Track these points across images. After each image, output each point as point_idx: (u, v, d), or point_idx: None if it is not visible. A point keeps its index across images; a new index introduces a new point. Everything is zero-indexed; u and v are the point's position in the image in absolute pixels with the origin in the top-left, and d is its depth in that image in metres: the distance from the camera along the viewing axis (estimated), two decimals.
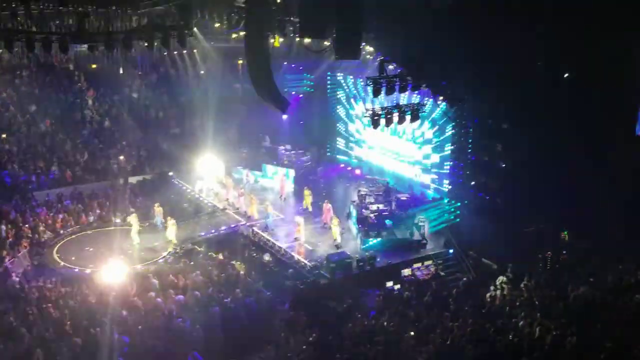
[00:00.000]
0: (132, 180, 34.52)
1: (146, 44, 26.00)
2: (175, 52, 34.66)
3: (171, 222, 28.64)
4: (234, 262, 26.49)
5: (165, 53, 34.66)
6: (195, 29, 28.37)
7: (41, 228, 29.02)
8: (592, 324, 17.74)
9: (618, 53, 22.48)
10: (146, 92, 39.44)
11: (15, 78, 36.56)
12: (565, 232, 26.21)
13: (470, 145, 29.67)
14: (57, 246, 28.58)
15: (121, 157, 35.18)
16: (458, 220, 29.89)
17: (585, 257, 24.25)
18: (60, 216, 30.42)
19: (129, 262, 25.98)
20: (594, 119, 23.52)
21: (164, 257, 27.54)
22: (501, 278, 24.22)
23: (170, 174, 35.42)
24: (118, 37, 25.48)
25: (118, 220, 30.89)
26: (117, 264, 24.69)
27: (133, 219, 28.56)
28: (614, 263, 22.40)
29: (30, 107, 36.01)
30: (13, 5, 26.17)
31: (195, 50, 35.02)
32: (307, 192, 31.61)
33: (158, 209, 30.05)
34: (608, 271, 21.92)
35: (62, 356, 18.47)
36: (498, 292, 23.45)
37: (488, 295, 23.16)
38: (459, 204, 30.20)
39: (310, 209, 31.30)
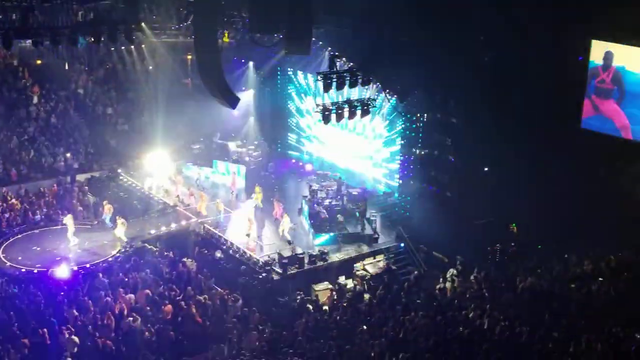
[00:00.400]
0: (80, 178, 33.94)
1: (92, 39, 25.57)
2: (123, 47, 34.18)
3: (120, 221, 28.27)
4: (185, 259, 26.31)
5: (113, 48, 34.13)
6: (142, 23, 28.06)
7: None
8: (540, 315, 18.07)
9: (563, 47, 22.93)
10: (93, 88, 38.78)
11: None
12: (514, 225, 26.61)
13: (420, 140, 29.92)
14: (3, 246, 27.82)
15: (68, 155, 34.57)
16: (409, 214, 30.14)
17: (533, 249, 24.74)
18: (6, 215, 29.78)
19: (78, 261, 25.61)
20: (540, 113, 23.92)
21: (113, 255, 27.18)
22: (451, 271, 24.54)
23: (119, 171, 34.93)
24: (64, 32, 25.11)
25: (66, 219, 30.29)
26: (65, 263, 24.34)
27: (68, 220, 27.90)
28: (560, 254, 22.83)
29: None
30: None
31: (143, 45, 34.58)
32: (257, 188, 31.53)
33: (107, 207, 29.58)
34: (555, 262, 22.35)
35: (9, 358, 18.09)
36: (448, 284, 23.77)
37: (438, 287, 23.47)
38: (409, 198, 30.45)
39: (261, 205, 31.25)
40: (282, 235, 28.48)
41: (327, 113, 24.15)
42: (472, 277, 23.42)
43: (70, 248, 27.05)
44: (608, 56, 22.99)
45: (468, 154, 27.47)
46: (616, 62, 22.86)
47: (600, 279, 19.72)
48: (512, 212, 26.53)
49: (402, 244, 28.54)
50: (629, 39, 22.21)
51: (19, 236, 28.56)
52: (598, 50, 23.16)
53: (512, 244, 25.90)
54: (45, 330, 19.32)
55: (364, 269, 26.84)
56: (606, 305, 18.13)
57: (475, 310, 19.42)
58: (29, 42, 25.76)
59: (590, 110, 24.00)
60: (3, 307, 21.19)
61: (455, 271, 24.50)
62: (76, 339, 19.30)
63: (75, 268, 24.69)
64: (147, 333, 20.49)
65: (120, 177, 34.61)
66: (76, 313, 20.77)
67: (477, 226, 27.08)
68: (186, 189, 32.44)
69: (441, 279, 24.46)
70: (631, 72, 22.55)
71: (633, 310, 17.16)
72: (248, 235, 28.62)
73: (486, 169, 27.23)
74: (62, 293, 22.38)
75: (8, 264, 26.36)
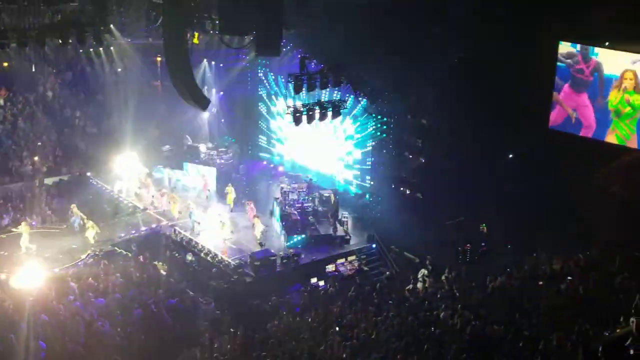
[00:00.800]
0: (48, 181, 33.56)
1: (60, 41, 25.37)
2: (91, 50, 33.85)
3: (90, 224, 28.02)
4: (155, 262, 26.12)
5: (81, 50, 33.76)
6: (111, 25, 27.83)
7: None
8: (510, 314, 18.19)
9: (532, 49, 23.14)
10: (61, 91, 38.33)
11: None
12: (484, 225, 26.79)
13: (391, 141, 30.01)
14: None
15: (36, 158, 34.15)
16: (380, 215, 30.23)
17: (503, 248, 24.92)
18: None
19: (47, 265, 25.31)
20: (508, 114, 24.13)
21: (83, 259, 26.89)
22: (422, 271, 24.62)
23: (88, 174, 34.62)
24: (31, 35, 24.87)
25: (34, 222, 30.02)
26: (34, 268, 24.05)
27: (24, 226, 27.52)
28: (530, 253, 23.02)
29: None
30: None
31: (112, 48, 34.29)
32: (229, 189, 31.45)
33: (75, 211, 29.30)
34: (524, 261, 22.52)
35: None
36: (420, 285, 23.84)
37: (410, 288, 23.54)
38: (380, 199, 30.54)
39: (232, 206, 31.15)
40: (256, 238, 28.43)
41: (298, 115, 24.17)
42: (443, 277, 23.51)
43: (24, 255, 26.64)
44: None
45: (439, 155, 27.60)
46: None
47: (569, 278, 19.90)
48: (482, 212, 26.72)
49: (374, 245, 28.64)
50: (596, 41, 22.47)
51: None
52: (564, 52, 23.45)
53: (483, 243, 26.08)
54: (12, 336, 19.03)
55: (336, 270, 26.88)
56: (575, 304, 18.30)
57: (446, 310, 19.47)
58: None
59: (559, 110, 24.24)
60: None
61: (426, 271, 24.59)
62: (43, 344, 19.03)
63: (45, 273, 24.39)
64: (117, 338, 20.30)
65: (90, 181, 34.27)
66: (46, 318, 20.51)
67: (447, 226, 27.26)
68: (157, 192, 32.20)
69: (412, 280, 24.54)
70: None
71: (602, 309, 17.35)
72: (221, 237, 28.52)
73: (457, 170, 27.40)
74: (31, 298, 22.09)
75: None
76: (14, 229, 28.21)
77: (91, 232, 27.82)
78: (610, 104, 22.88)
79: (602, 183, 23.47)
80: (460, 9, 22.87)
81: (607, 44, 22.56)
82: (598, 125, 23.37)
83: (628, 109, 22.39)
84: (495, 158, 25.79)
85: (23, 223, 27.81)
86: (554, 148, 23.95)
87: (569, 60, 23.69)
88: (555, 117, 24.36)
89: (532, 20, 22.38)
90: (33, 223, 29.83)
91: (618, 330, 14.33)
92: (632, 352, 10.62)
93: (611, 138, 23.35)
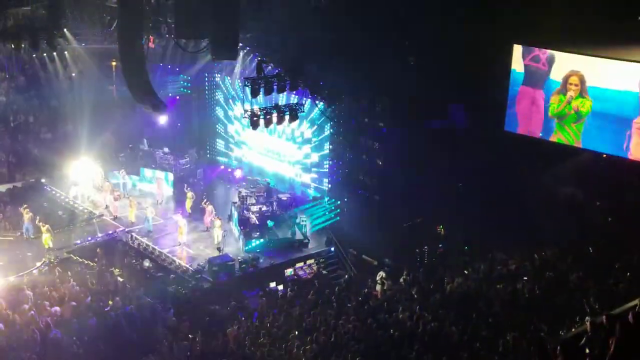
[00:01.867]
0: (1, 188, 32.91)
1: (13, 46, 25.04)
2: (45, 54, 33.28)
3: (45, 229, 27.53)
4: (112, 269, 25.78)
5: (34, 55, 33.20)
6: (65, 29, 27.46)
7: None
8: (468, 315, 18.34)
9: (485, 51, 23.35)
10: (14, 96, 37.65)
11: None
12: (441, 226, 26.97)
13: (348, 144, 30.07)
14: None
15: None
16: (338, 218, 30.26)
17: (460, 250, 25.12)
18: None
19: (1, 273, 24.79)
20: (466, 118, 24.33)
21: (37, 267, 26.38)
22: (381, 274, 24.73)
23: (43, 180, 34.04)
24: None
25: None
26: None
27: None
28: (486, 254, 23.24)
29: None
30: None
31: (65, 52, 33.77)
32: (189, 194, 31.21)
33: (27, 215, 28.68)
34: (481, 262, 22.73)
35: None
36: (378, 287, 23.93)
37: (368, 291, 23.60)
38: (339, 202, 30.57)
39: (190, 211, 30.92)
40: (214, 243, 28.27)
41: (255, 119, 24.05)
42: (401, 279, 23.64)
43: None
44: None
45: (395, 158, 27.71)
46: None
47: (524, 278, 20.13)
48: (439, 214, 26.90)
49: (332, 248, 28.67)
50: (549, 44, 22.73)
51: None
52: (518, 54, 23.63)
53: (440, 245, 26.26)
54: None
55: (295, 274, 26.85)
56: (531, 304, 18.52)
57: (405, 312, 19.58)
58: None
59: (514, 112, 24.46)
60: None
61: (384, 274, 24.69)
62: None
63: None
64: (74, 346, 19.95)
65: (44, 187, 33.71)
66: (1, 326, 20.09)
67: (405, 228, 27.35)
68: (113, 198, 31.79)
69: (371, 282, 24.62)
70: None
71: (556, 308, 17.58)
72: (178, 243, 28.30)
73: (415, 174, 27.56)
74: None
75: None
76: None
77: (47, 234, 27.33)
78: (552, 110, 23.09)
79: (552, 184, 23.81)
80: (415, 15, 23.03)
81: (555, 46, 22.80)
82: (543, 129, 23.58)
83: (572, 113, 22.64)
84: (452, 160, 25.98)
85: None
86: (509, 150, 24.15)
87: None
88: (510, 119, 24.53)
89: (484, 25, 22.53)
90: None
91: (573, 330, 14.50)
92: (587, 351, 10.71)
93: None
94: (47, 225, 27.60)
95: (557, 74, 22.65)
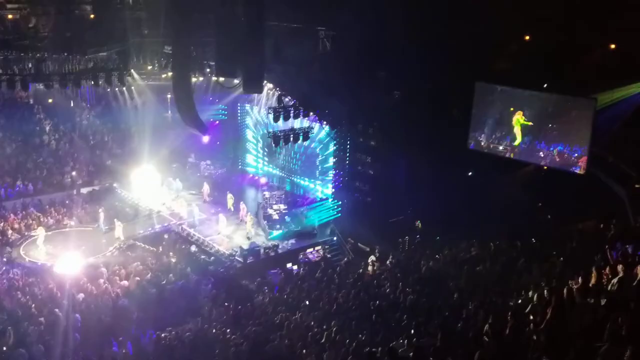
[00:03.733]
0: (83, 190, 32.94)
1: (92, 82, 25.33)
2: (117, 89, 33.33)
3: (118, 224, 27.58)
4: (167, 253, 25.75)
5: (108, 89, 33.26)
6: (132, 70, 27.60)
7: (9, 231, 27.56)
8: (439, 289, 18.21)
9: (453, 86, 23.29)
10: (93, 120, 37.87)
11: None
12: (419, 222, 26.85)
13: (347, 158, 29.95)
14: (23, 245, 27.02)
15: (74, 173, 33.54)
16: (340, 215, 30.14)
17: (433, 240, 24.98)
18: (25, 221, 28.83)
19: (83, 256, 24.83)
20: (438, 137, 24.17)
21: (110, 251, 26.46)
22: (372, 257, 24.59)
23: (114, 185, 34.06)
24: (69, 77, 24.65)
25: (72, 223, 29.48)
26: (73, 258, 23.61)
27: (40, 230, 26.87)
28: (452, 243, 23.10)
29: None
30: None
31: (132, 87, 33.85)
32: (229, 195, 31.07)
33: (103, 213, 28.88)
34: (448, 250, 22.59)
35: (29, 333, 17.31)
36: (370, 268, 23.81)
37: (362, 270, 23.49)
38: (340, 202, 30.45)
39: (232, 209, 30.76)
40: (246, 233, 28.17)
41: (276, 138, 24.06)
42: (387, 262, 23.52)
43: (40, 252, 26.17)
44: None
45: (384, 168, 27.63)
46: None
47: (483, 261, 20.00)
48: (417, 212, 26.81)
49: (335, 238, 28.55)
50: (508, 83, 22.59)
51: (33, 238, 27.58)
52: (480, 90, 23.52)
53: (418, 236, 26.12)
54: (56, 311, 18.59)
55: (306, 257, 26.76)
56: (488, 281, 18.39)
57: (390, 287, 19.48)
58: (42, 85, 25.04)
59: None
60: (23, 293, 20.39)
61: (374, 258, 24.57)
62: (79, 317, 18.62)
63: (81, 261, 23.97)
64: (136, 312, 19.96)
65: (116, 190, 33.76)
66: (82, 295, 20.10)
67: (391, 223, 27.25)
68: (168, 198, 31.75)
69: (364, 264, 24.50)
70: None
71: (506, 285, 17.45)
72: (219, 233, 28.23)
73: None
74: (70, 281, 21.63)
75: (28, 259, 25.70)
76: (33, 233, 27.51)
77: (119, 229, 27.39)
78: None
79: (506, 190, 23.71)
80: (400, 57, 22.98)
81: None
82: None
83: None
84: (428, 170, 25.94)
85: (40, 228, 27.22)
86: (474, 161, 24.04)
87: None
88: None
89: (454, 61, 22.34)
90: (72, 223, 29.43)
91: (520, 301, 14.40)
92: (531, 317, 10.63)
93: None
94: (119, 222, 27.65)
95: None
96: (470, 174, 26.37)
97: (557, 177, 22.02)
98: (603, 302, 10.11)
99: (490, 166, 24.03)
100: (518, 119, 22.62)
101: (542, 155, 22.11)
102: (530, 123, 22.25)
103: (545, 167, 22.57)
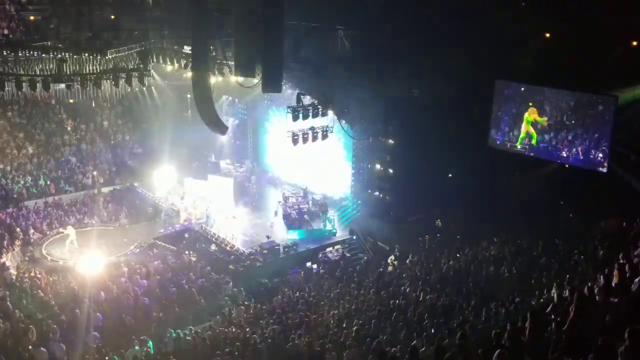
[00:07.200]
0: (105, 190, 33.38)
1: (113, 83, 25.55)
2: (137, 89, 33.75)
3: (70, 228, 27.41)
4: (187, 252, 25.97)
5: (129, 89, 33.68)
6: (152, 70, 27.85)
7: (31, 230, 27.98)
8: (459, 288, 18.18)
9: (474, 85, 23.12)
10: (114, 120, 38.30)
11: (7, 112, 34.92)
12: (439, 220, 26.76)
13: (366, 157, 29.95)
14: (45, 244, 27.48)
15: (95, 172, 34.00)
16: (359, 213, 30.15)
17: (453, 239, 24.89)
18: (47, 220, 29.32)
19: (104, 254, 25.14)
20: (459, 135, 23.98)
21: (131, 250, 26.76)
22: (391, 256, 24.60)
23: (135, 184, 34.43)
24: (90, 78, 24.98)
25: (94, 222, 29.87)
26: (94, 257, 23.89)
27: (70, 229, 27.18)
28: (472, 242, 23.01)
29: (19, 134, 34.51)
30: (4, 53, 25.53)
31: (153, 87, 34.19)
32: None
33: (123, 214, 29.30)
34: (468, 248, 22.52)
35: (51, 331, 17.62)
36: (390, 267, 23.82)
37: (382, 269, 23.49)
38: (359, 201, 30.46)
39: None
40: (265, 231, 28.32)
41: (295, 137, 24.13)
42: (407, 261, 23.51)
43: (68, 250, 26.46)
44: None
45: (403, 167, 27.53)
46: None
47: (504, 260, 19.92)
48: (438, 211, 26.70)
49: (354, 237, 28.55)
50: (526, 80, 22.41)
51: (57, 236, 28.02)
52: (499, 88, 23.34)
53: (438, 235, 26.05)
54: (77, 310, 18.85)
55: (326, 256, 26.81)
56: (508, 281, 18.32)
57: (410, 286, 19.48)
58: (63, 85, 25.42)
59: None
60: (45, 291, 20.71)
61: (394, 257, 24.57)
62: (100, 315, 18.86)
63: (102, 260, 24.25)
64: (154, 313, 20.16)
65: (137, 189, 34.11)
66: (103, 294, 20.36)
67: (411, 222, 27.20)
68: (189, 197, 32.01)
69: (384, 263, 24.50)
70: None
71: (526, 284, 17.37)
72: (238, 232, 28.39)
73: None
74: (92, 280, 21.91)
75: (49, 258, 26.13)
76: (62, 230, 27.84)
77: (72, 233, 27.05)
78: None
79: (528, 187, 23.48)
80: (418, 56, 22.88)
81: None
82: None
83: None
84: (448, 168, 25.85)
85: (70, 227, 27.54)
86: (493, 161, 23.86)
87: None
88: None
89: (475, 59, 22.20)
90: (93, 222, 29.74)
91: (542, 300, 14.31)
92: (552, 317, 10.56)
93: None
94: (71, 227, 27.49)
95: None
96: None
97: (579, 176, 21.77)
98: (625, 301, 10.02)
99: (512, 165, 23.85)
100: (527, 117, 22.44)
101: (564, 155, 21.89)
102: (545, 119, 22.02)
103: (567, 166, 22.34)
